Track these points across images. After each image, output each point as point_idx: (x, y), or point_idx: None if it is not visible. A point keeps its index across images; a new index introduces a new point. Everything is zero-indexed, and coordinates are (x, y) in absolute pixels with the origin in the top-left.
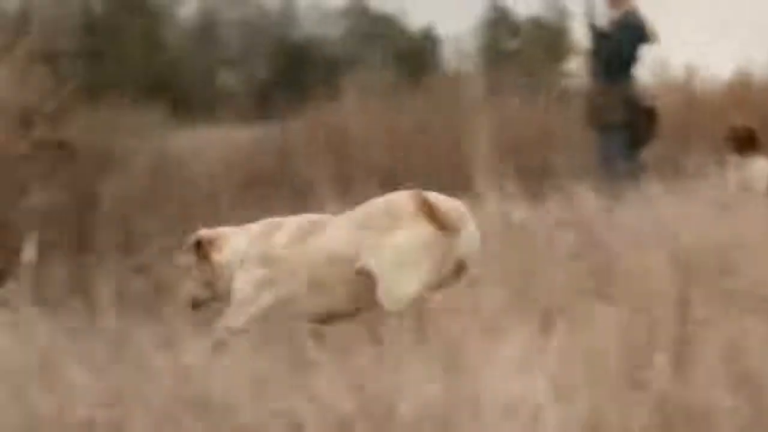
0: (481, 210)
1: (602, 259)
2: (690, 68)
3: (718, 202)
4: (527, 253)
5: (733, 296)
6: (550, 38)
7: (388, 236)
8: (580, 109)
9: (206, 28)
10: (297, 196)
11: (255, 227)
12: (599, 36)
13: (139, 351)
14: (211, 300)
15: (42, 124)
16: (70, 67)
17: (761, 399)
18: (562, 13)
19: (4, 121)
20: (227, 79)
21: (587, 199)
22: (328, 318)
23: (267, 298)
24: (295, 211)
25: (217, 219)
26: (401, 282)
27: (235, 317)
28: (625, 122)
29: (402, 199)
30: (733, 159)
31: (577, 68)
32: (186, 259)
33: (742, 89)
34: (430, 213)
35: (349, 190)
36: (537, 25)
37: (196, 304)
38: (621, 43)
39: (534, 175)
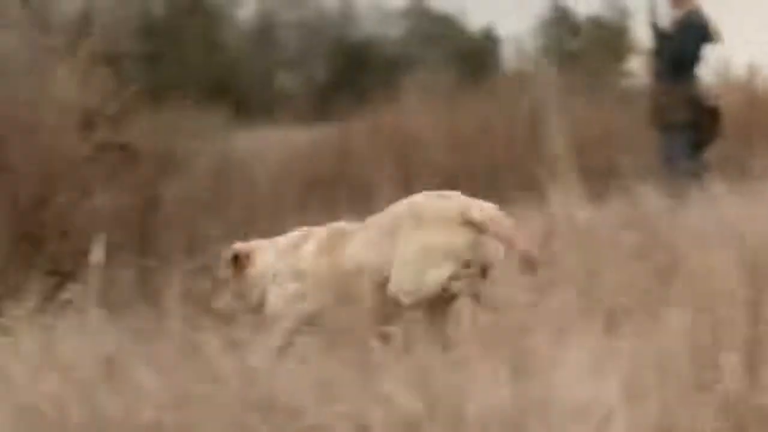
0: (545, 210)
1: (666, 259)
2: (753, 67)
3: None
4: (591, 254)
5: None
6: (610, 38)
7: (410, 237)
8: (643, 108)
9: (265, 30)
10: (358, 198)
11: (282, 240)
12: (662, 36)
13: (205, 353)
14: (245, 312)
15: (104, 126)
16: (132, 70)
17: None
18: (623, 13)
19: (67, 123)
20: (286, 80)
21: (651, 199)
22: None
23: (298, 312)
24: (356, 212)
25: (279, 221)
26: (413, 274)
27: (274, 336)
28: (689, 122)
29: (424, 200)
30: None
31: (637, 68)
32: (224, 272)
33: None
34: (458, 215)
35: (410, 191)
36: (597, 24)
37: (230, 316)
38: (684, 43)
39: (597, 175)
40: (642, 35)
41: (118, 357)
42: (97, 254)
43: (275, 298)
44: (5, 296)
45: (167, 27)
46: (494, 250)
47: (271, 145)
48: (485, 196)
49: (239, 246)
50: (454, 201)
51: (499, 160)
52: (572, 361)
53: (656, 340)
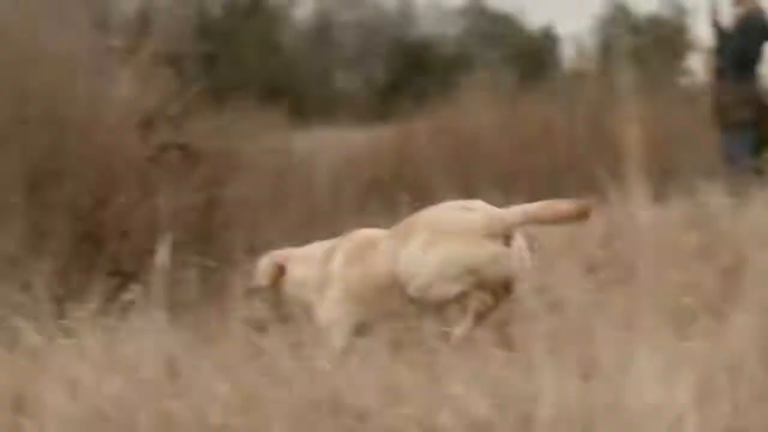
0: (607, 210)
1: (731, 258)
2: None
3: None
4: (654, 254)
5: None
6: (669, 36)
7: (430, 248)
8: (703, 107)
9: (322, 30)
10: (418, 199)
11: (313, 249)
12: (723, 35)
13: (270, 355)
14: (275, 321)
15: (165, 126)
16: (192, 70)
17: None
18: (681, 10)
19: (128, 124)
20: (344, 80)
21: (713, 198)
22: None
23: (349, 314)
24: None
25: (338, 222)
26: (425, 271)
27: (333, 339)
28: (751, 121)
29: (445, 211)
30: None
31: (696, 66)
32: (262, 280)
33: None
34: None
35: (469, 191)
36: (656, 22)
37: (262, 326)
38: (745, 41)
39: (659, 174)
40: (701, 33)
41: (183, 359)
42: (162, 254)
43: (326, 304)
44: (68, 298)
45: (225, 27)
46: (519, 261)
47: (330, 145)
48: (546, 197)
49: (277, 254)
50: (478, 213)
51: (559, 159)
52: (642, 363)
53: (725, 341)
